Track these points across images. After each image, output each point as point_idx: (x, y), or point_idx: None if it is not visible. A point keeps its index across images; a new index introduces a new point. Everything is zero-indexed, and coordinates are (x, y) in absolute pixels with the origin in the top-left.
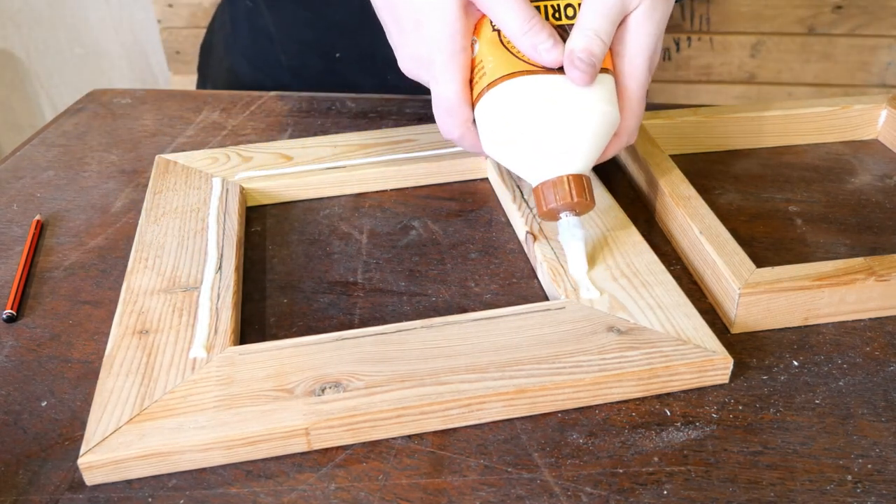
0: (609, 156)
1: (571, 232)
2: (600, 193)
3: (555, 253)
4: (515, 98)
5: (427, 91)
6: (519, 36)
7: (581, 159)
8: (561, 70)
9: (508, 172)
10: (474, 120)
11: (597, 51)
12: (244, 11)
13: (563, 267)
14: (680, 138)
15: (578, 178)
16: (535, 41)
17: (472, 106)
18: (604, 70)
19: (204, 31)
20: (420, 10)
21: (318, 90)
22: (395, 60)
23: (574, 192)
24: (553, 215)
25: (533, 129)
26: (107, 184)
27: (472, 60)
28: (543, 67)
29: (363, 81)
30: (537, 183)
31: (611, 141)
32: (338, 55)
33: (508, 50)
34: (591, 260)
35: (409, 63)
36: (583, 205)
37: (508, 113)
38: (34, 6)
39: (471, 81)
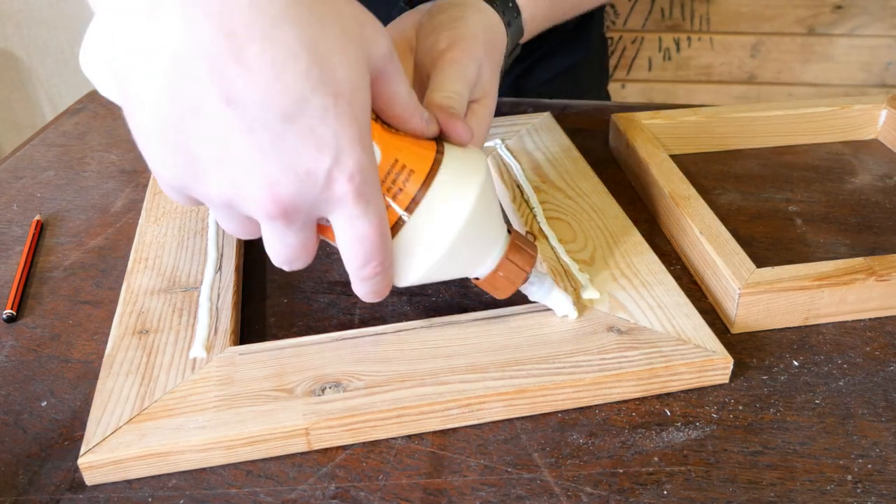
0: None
1: (541, 284)
2: (601, 193)
3: (554, 253)
4: (449, 208)
5: None
6: (412, 109)
7: (500, 225)
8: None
9: (509, 172)
10: None
11: (454, 104)
12: None
13: (563, 267)
14: (680, 138)
15: (514, 244)
16: (423, 112)
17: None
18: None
19: None
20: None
21: None
22: None
23: (528, 257)
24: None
25: (467, 230)
26: (107, 184)
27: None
28: (432, 152)
29: None
30: (486, 273)
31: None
32: None
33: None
34: (592, 260)
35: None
36: (534, 257)
37: (443, 226)
38: (34, 6)
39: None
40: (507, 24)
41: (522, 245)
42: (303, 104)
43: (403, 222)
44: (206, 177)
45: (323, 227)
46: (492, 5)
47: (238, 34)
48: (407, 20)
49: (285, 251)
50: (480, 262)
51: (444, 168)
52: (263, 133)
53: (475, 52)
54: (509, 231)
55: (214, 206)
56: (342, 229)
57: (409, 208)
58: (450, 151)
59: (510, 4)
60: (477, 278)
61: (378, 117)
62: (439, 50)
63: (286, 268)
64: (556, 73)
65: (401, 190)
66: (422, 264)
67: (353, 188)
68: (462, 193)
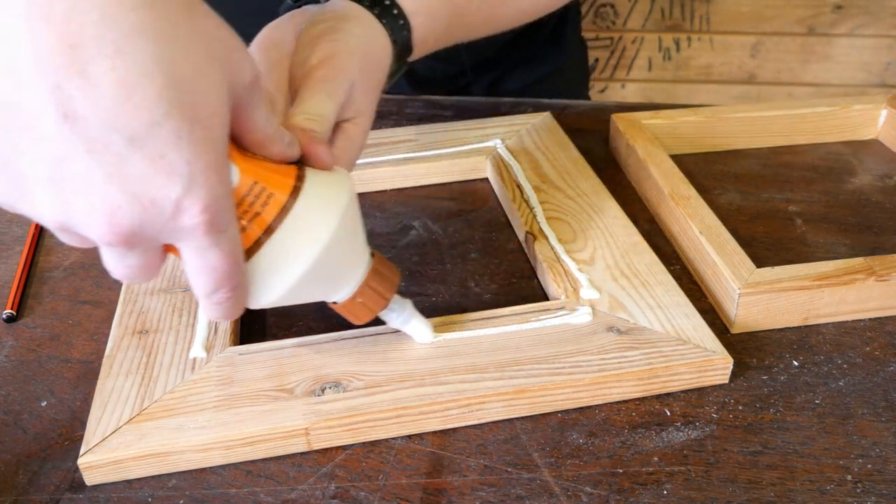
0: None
1: (401, 311)
2: (601, 193)
3: (555, 253)
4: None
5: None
6: (272, 136)
7: (363, 250)
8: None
9: (509, 172)
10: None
11: (317, 127)
12: None
13: (563, 267)
14: (680, 138)
15: (376, 270)
16: (285, 136)
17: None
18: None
19: None
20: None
21: None
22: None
23: (389, 283)
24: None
25: (325, 256)
26: None
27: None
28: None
29: None
30: (344, 298)
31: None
32: None
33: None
34: (592, 260)
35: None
36: (395, 283)
37: (299, 252)
38: None
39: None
40: (394, 42)
41: (384, 271)
42: (153, 128)
43: (260, 245)
44: (35, 197)
45: (169, 246)
46: (380, 20)
47: (84, 46)
48: (288, 24)
49: (125, 271)
50: (339, 288)
51: (304, 193)
52: (105, 155)
53: (348, 71)
54: (373, 255)
55: (47, 226)
56: (190, 259)
57: (267, 232)
58: (312, 176)
59: (400, 22)
60: (335, 303)
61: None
62: (310, 65)
63: (126, 283)
64: (535, 79)
65: (257, 214)
66: (275, 289)
67: (204, 220)
68: (321, 220)
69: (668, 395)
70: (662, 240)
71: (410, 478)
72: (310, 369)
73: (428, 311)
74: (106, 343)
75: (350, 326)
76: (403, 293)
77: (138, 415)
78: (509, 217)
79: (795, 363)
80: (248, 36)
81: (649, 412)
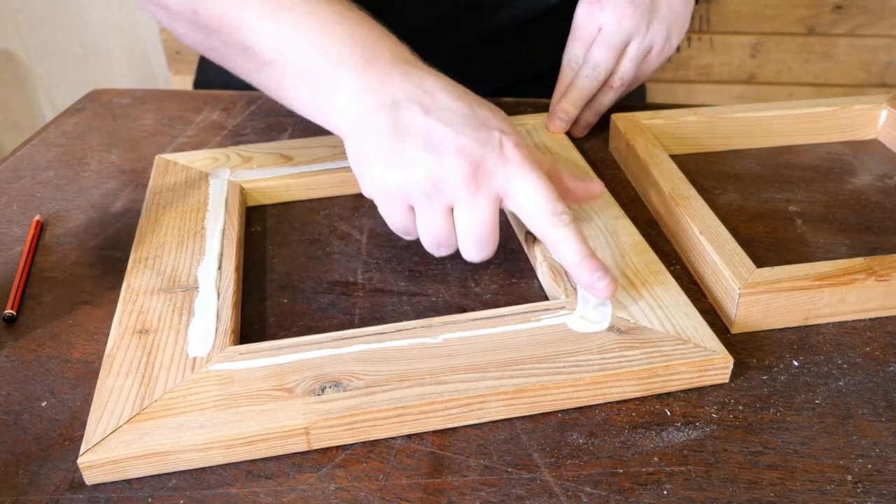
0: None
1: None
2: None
3: None
4: None
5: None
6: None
7: None
8: None
9: None
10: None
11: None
12: None
13: (562, 267)
14: (680, 138)
15: None
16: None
17: None
18: None
19: None
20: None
21: None
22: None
23: None
24: None
25: None
26: (107, 184)
27: None
28: None
29: None
30: None
31: None
32: None
33: None
34: None
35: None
36: None
37: None
38: (34, 6)
39: None
40: None
41: None
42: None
43: None
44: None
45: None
46: None
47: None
48: None
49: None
50: None
51: None
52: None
53: None
54: None
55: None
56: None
57: None
58: None
59: None
60: None
61: None
62: None
63: (476, 252)
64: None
65: None
66: None
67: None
68: None
69: (668, 395)
70: (662, 240)
71: (410, 478)
72: (310, 369)
73: (428, 311)
74: (106, 343)
75: (350, 326)
76: (403, 293)
77: (138, 414)
78: (509, 217)
79: (795, 363)
80: None
81: (649, 412)
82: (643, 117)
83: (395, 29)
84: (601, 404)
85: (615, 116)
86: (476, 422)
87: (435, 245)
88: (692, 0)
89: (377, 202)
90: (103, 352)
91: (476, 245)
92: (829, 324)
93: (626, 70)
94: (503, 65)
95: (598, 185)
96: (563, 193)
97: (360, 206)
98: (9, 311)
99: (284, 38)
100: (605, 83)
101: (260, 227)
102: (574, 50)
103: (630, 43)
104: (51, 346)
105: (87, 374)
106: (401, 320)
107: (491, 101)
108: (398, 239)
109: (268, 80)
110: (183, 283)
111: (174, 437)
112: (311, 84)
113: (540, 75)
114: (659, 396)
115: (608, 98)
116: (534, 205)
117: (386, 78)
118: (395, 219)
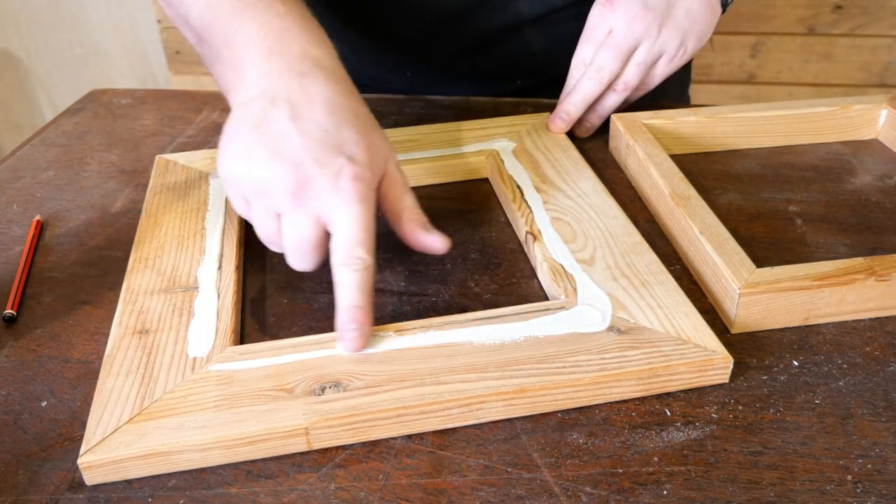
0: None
1: None
2: (601, 193)
3: (554, 253)
4: None
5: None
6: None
7: None
8: None
9: (508, 173)
10: None
11: None
12: None
13: (562, 267)
14: (680, 138)
15: None
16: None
17: None
18: None
19: None
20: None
21: None
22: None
23: None
24: None
25: None
26: (107, 184)
27: None
28: None
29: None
30: None
31: None
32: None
33: None
34: (592, 259)
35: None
36: None
37: None
38: (34, 6)
39: None
40: None
41: None
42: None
43: None
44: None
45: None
46: None
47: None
48: None
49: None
50: None
51: None
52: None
53: None
54: None
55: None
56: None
57: None
58: None
59: None
60: None
61: None
62: None
63: (296, 262)
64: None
65: None
66: None
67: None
68: None
69: (668, 394)
70: (662, 240)
71: (410, 478)
72: (310, 369)
73: (428, 311)
74: (106, 343)
75: None
76: (403, 293)
77: (138, 414)
78: (509, 217)
79: (795, 363)
80: None
81: (649, 412)
82: (643, 117)
83: (414, 17)
84: (601, 404)
85: (615, 116)
86: (476, 422)
87: (265, 241)
88: (718, 7)
89: (224, 183)
90: (103, 352)
91: (294, 256)
92: (829, 324)
93: (631, 74)
94: (519, 61)
95: (442, 244)
96: (405, 237)
97: None
98: (9, 311)
99: (213, 15)
100: (609, 86)
101: None
102: (584, 51)
103: (638, 47)
104: (51, 346)
105: (87, 374)
106: (401, 320)
107: (494, 101)
108: (398, 239)
109: (204, 57)
110: (183, 283)
111: (174, 437)
112: (223, 62)
113: (559, 77)
114: (659, 396)
115: (612, 101)
116: (340, 238)
117: (283, 71)
118: (235, 203)
